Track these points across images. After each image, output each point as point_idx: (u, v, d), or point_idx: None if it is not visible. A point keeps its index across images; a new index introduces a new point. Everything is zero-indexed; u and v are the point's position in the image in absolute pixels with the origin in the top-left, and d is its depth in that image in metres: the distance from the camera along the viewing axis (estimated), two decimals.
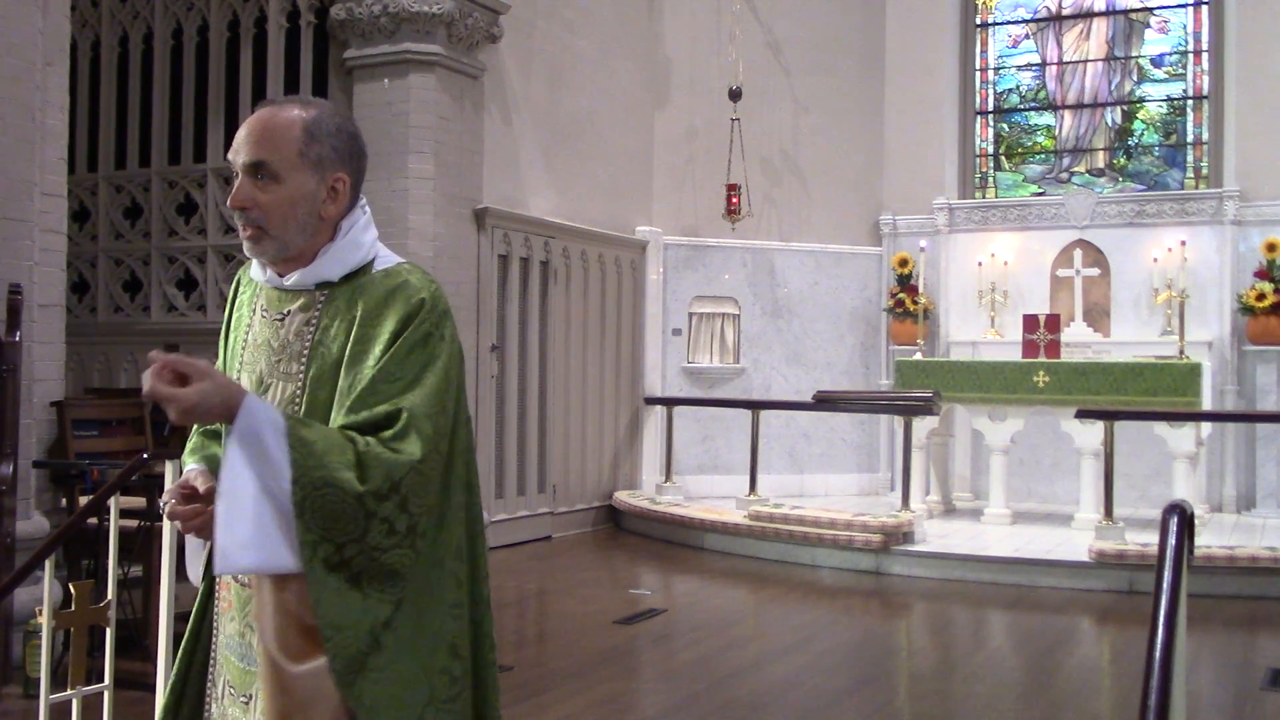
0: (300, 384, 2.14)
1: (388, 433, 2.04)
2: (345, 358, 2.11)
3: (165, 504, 2.21)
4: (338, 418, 2.09)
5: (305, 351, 2.15)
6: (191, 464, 2.27)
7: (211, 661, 2.27)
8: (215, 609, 2.27)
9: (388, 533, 2.01)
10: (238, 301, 2.33)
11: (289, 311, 2.18)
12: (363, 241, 2.20)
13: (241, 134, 2.16)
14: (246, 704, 2.17)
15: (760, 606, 7.88)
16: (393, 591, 2.05)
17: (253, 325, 2.24)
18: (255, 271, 2.26)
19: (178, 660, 2.33)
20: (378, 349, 2.09)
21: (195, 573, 2.33)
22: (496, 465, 9.55)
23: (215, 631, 2.27)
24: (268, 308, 2.22)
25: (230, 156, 2.18)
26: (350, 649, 2.01)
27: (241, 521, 1.98)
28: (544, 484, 10.13)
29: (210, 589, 2.31)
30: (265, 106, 2.18)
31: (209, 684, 2.28)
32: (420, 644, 2.09)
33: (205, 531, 2.11)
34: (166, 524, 3.98)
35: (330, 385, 2.11)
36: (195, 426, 2.34)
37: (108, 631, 3.88)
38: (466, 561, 2.20)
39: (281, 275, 2.20)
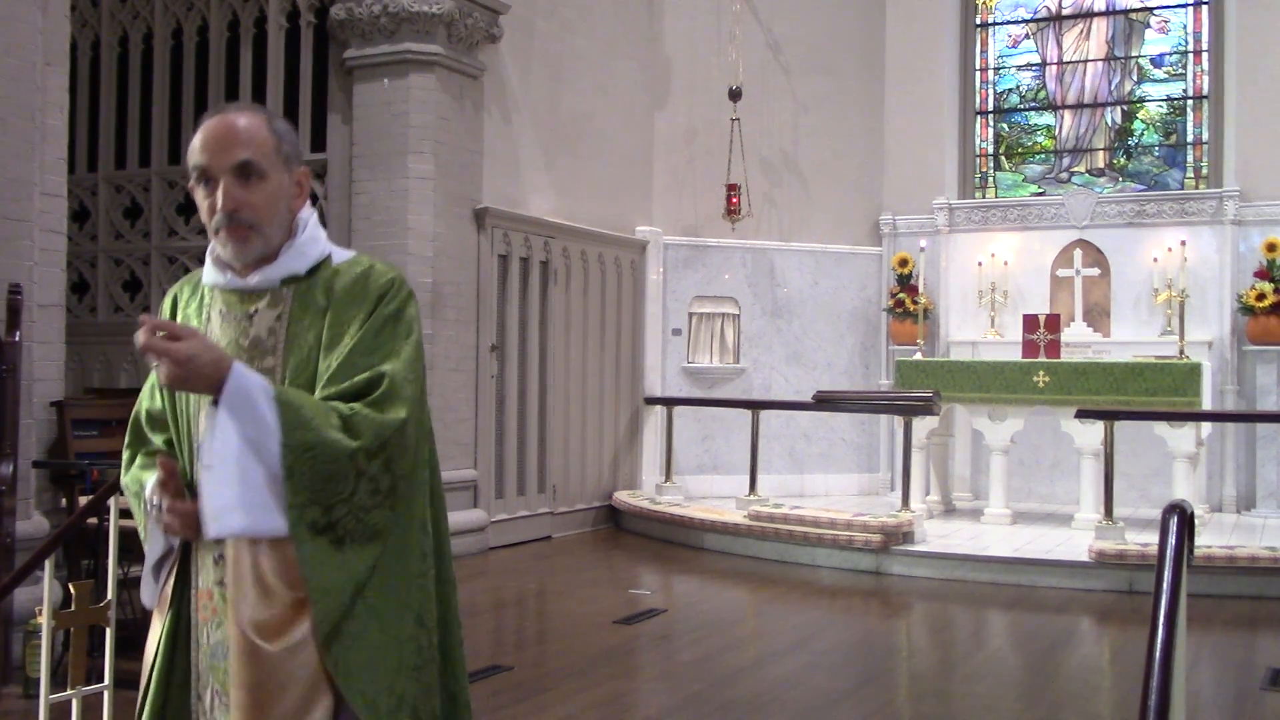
0: (278, 377, 2.17)
1: (371, 396, 2.11)
2: (323, 343, 2.17)
3: (154, 505, 2.19)
4: (319, 393, 2.14)
5: (279, 345, 2.19)
6: (149, 477, 2.24)
7: (194, 675, 2.22)
8: (193, 621, 2.22)
9: (373, 491, 2.10)
10: (182, 318, 2.31)
11: (256, 310, 2.22)
12: (319, 236, 2.27)
13: (209, 140, 2.16)
14: None
15: (760, 606, 7.88)
16: (372, 553, 2.11)
17: (209, 331, 2.23)
18: (210, 276, 2.26)
19: (155, 676, 2.25)
20: (354, 327, 2.16)
21: (150, 595, 2.30)
22: (496, 465, 9.55)
23: (194, 645, 2.22)
24: (227, 309, 2.24)
25: (200, 162, 2.17)
26: (335, 613, 2.07)
27: (230, 485, 2.03)
28: (544, 484, 10.13)
29: (182, 599, 2.25)
30: (216, 115, 2.20)
31: (194, 699, 2.23)
32: (388, 612, 2.14)
33: (185, 532, 2.15)
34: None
35: (310, 369, 2.17)
36: (128, 445, 2.34)
37: (108, 631, 3.88)
38: (432, 538, 2.26)
39: (242, 277, 2.22)
